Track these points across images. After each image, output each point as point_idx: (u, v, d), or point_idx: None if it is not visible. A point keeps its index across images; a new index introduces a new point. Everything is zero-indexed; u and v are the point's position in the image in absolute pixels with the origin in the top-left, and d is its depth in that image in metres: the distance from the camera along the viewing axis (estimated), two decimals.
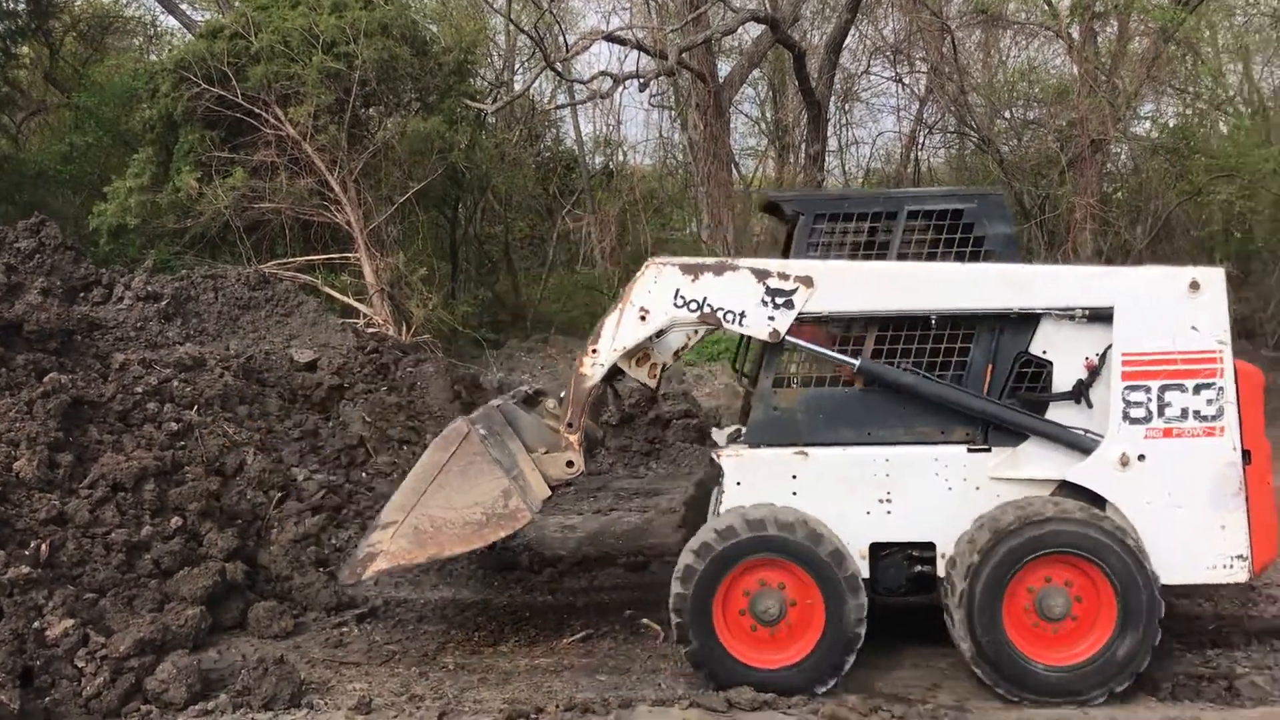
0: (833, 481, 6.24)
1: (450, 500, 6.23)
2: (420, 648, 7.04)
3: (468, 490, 6.22)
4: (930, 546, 6.24)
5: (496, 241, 21.64)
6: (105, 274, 11.01)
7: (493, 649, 7.03)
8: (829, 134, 20.69)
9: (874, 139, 38.31)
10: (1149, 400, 6.04)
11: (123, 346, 9.72)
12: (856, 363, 6.24)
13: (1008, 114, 22.76)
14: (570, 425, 6.58)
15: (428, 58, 16.67)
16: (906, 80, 22.20)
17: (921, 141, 22.94)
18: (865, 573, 6.18)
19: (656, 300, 6.35)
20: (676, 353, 6.82)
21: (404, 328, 13.54)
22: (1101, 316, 6.12)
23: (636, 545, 9.03)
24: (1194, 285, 6.04)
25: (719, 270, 6.32)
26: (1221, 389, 6.02)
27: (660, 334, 6.48)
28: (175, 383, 9.06)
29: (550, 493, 6.60)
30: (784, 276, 6.24)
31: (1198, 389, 6.02)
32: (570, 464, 6.61)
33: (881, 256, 6.43)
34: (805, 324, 6.29)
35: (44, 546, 6.90)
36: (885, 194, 6.65)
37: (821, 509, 6.16)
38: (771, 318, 6.24)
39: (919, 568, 6.31)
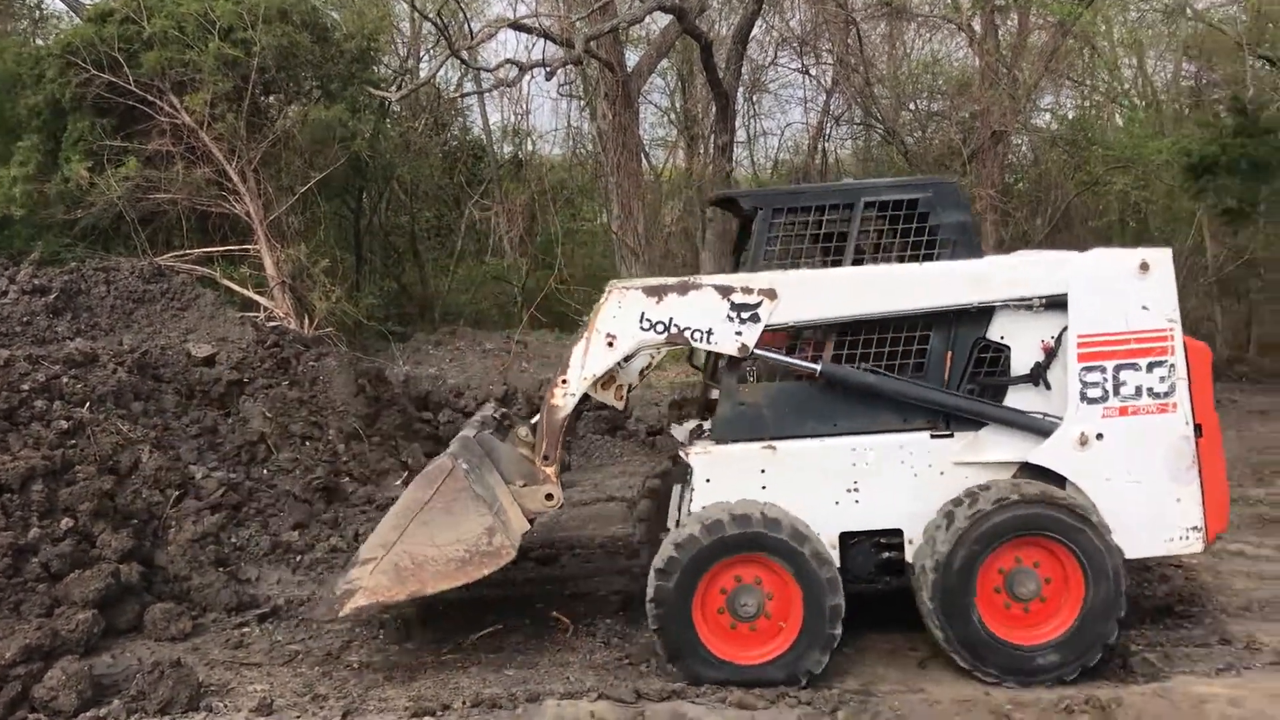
0: (801, 473, 6.30)
1: (433, 537, 6.13)
2: (324, 647, 6.89)
3: (452, 527, 6.13)
4: (898, 533, 6.35)
5: (402, 232, 21.31)
6: None
7: (399, 646, 6.92)
8: (738, 125, 20.79)
9: (782, 130, 38.67)
10: (1105, 380, 6.22)
11: (7, 342, 9.35)
12: (818, 368, 6.31)
13: (912, 106, 23.15)
14: (546, 458, 6.56)
15: (329, 44, 16.34)
16: (813, 72, 22.41)
17: (829, 133, 23.18)
18: (836, 561, 6.23)
19: (622, 325, 6.37)
20: (641, 372, 6.90)
21: (306, 321, 13.25)
22: (1057, 304, 6.27)
23: (548, 538, 8.96)
24: (1144, 266, 6.20)
25: (682, 290, 6.33)
26: (1173, 365, 6.21)
27: (628, 358, 6.49)
28: (65, 379, 8.73)
29: (529, 526, 6.50)
30: (747, 291, 6.28)
31: (1151, 367, 6.21)
32: (550, 497, 6.56)
33: (841, 249, 6.48)
34: (764, 330, 6.34)
35: None
36: (842, 186, 6.72)
37: (791, 501, 6.21)
38: (739, 332, 6.29)
39: (888, 554, 6.41)
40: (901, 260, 6.51)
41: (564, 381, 6.49)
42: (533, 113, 47.27)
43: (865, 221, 6.56)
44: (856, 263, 6.46)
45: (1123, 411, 6.22)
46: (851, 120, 23.27)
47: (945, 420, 6.35)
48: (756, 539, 6.02)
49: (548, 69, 15.06)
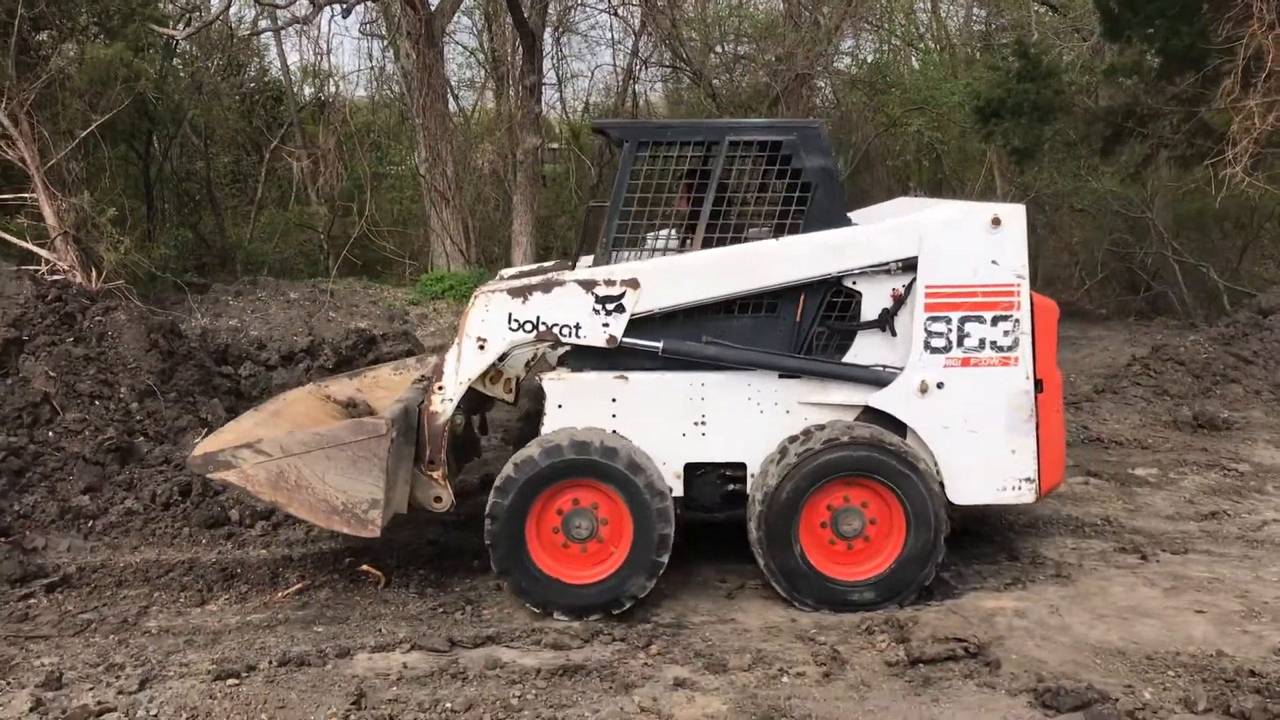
0: (650, 405, 6.48)
1: (326, 474, 6.22)
2: (119, 614, 6.57)
3: (347, 478, 6.21)
4: (742, 467, 6.53)
5: (197, 179, 20.22)
6: None
7: (200, 609, 6.67)
8: (546, 66, 20.54)
9: (592, 72, 38.50)
10: (949, 331, 6.37)
11: None
12: (660, 345, 6.42)
13: (720, 49, 23.35)
14: (431, 463, 6.61)
15: None
16: (621, 13, 22.30)
17: (638, 75, 23.15)
18: (680, 490, 6.49)
19: (491, 328, 6.47)
20: (527, 364, 7.32)
21: (94, 273, 12.45)
22: (911, 265, 6.42)
23: None
24: (995, 221, 6.30)
25: (546, 288, 6.42)
26: (1018, 320, 6.36)
27: (503, 357, 6.61)
28: None
29: (405, 511, 6.60)
30: (610, 283, 6.39)
31: (995, 320, 6.35)
32: (438, 499, 6.66)
33: (704, 186, 6.54)
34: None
35: None
36: (708, 124, 6.80)
37: (639, 431, 6.43)
38: (606, 324, 6.40)
39: (732, 486, 6.60)
40: (763, 201, 6.70)
41: (440, 388, 6.56)
42: (334, 52, 45.66)
43: (729, 160, 6.62)
44: (719, 202, 6.55)
45: (965, 362, 6.39)
46: (660, 63, 23.32)
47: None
48: (592, 466, 6.24)
49: (344, 5, 14.51)
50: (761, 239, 6.53)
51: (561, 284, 6.42)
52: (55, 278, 11.38)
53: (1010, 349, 6.38)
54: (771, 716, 5.02)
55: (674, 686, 5.35)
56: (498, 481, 6.32)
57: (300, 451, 6.26)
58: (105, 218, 13.21)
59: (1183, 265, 18.43)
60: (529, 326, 6.45)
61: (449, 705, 5.16)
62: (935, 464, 6.41)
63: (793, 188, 6.51)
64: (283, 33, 21.26)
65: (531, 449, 6.33)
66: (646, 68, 23.11)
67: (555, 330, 6.45)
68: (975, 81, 18.86)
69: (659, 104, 25.22)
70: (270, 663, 5.65)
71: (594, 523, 6.36)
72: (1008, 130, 15.30)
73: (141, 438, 8.95)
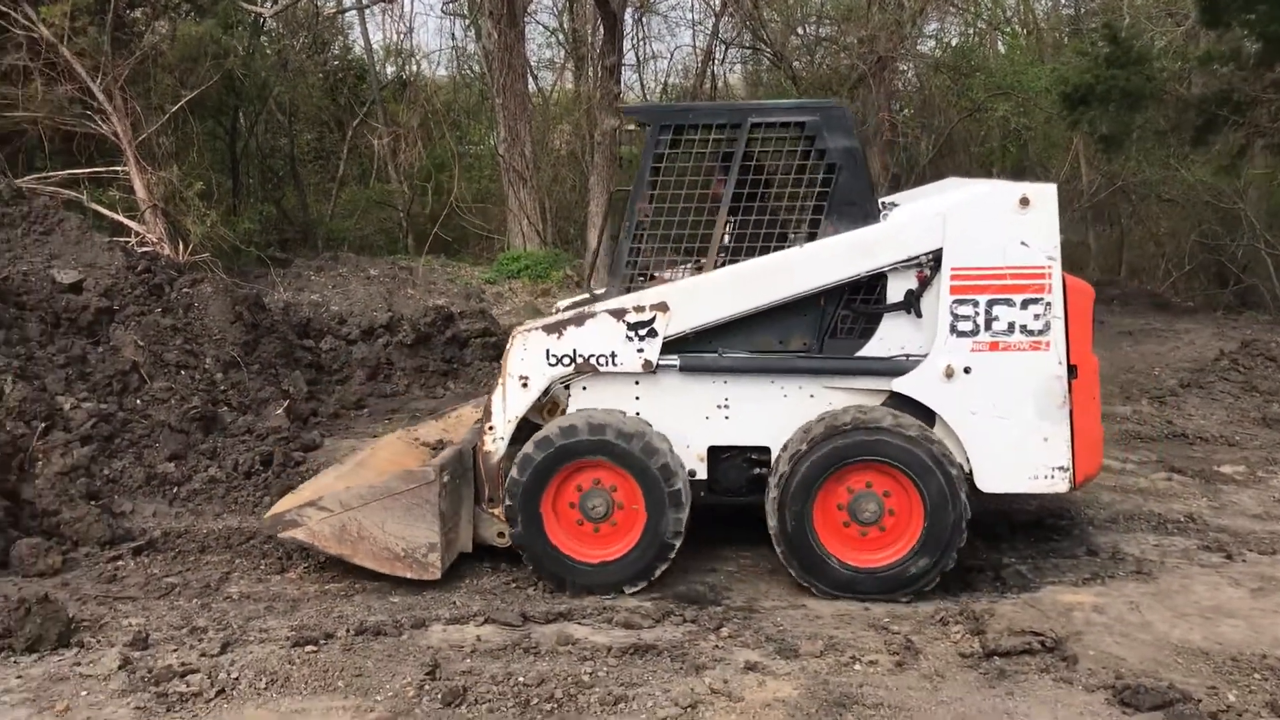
0: (673, 388, 6.48)
1: (385, 524, 6.45)
2: (202, 579, 6.74)
3: (405, 525, 6.44)
4: (767, 450, 6.47)
5: (281, 155, 20.59)
6: None
7: (280, 576, 6.81)
8: (626, 47, 20.53)
9: (671, 53, 38.43)
10: (976, 314, 6.16)
11: None
12: (677, 361, 6.43)
13: (801, 30, 23.15)
14: (491, 500, 6.77)
15: None
16: None
17: (718, 57, 23.04)
18: (704, 474, 6.50)
19: (531, 366, 6.56)
20: None
21: (181, 246, 12.75)
22: (940, 256, 6.27)
23: None
24: (1024, 201, 6.09)
25: (579, 321, 6.49)
26: (1049, 304, 6.12)
27: (546, 391, 6.62)
28: None
29: (470, 550, 6.82)
30: (639, 309, 6.41)
31: (1025, 304, 6.12)
32: (501, 535, 6.78)
33: (726, 169, 6.50)
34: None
35: None
36: (730, 105, 6.81)
37: (662, 414, 6.47)
38: (640, 350, 6.42)
39: (757, 470, 6.56)
40: (788, 184, 6.56)
41: (490, 428, 6.70)
42: (417, 31, 46.13)
43: (752, 142, 6.52)
44: (741, 183, 6.46)
45: (993, 347, 6.17)
46: (741, 44, 23.18)
47: (819, 344, 6.45)
48: (604, 446, 6.31)
49: None
50: (789, 225, 6.52)
51: (593, 315, 6.48)
52: (144, 249, 11.69)
53: (1041, 333, 6.14)
54: (843, 703, 4.99)
55: (745, 670, 5.34)
56: (516, 458, 6.43)
57: (359, 505, 6.48)
58: (193, 191, 13.52)
59: (1275, 258, 17.89)
60: (567, 360, 6.52)
61: (521, 679, 5.21)
62: (963, 450, 6.23)
63: (816, 169, 6.44)
64: (366, 11, 21.49)
65: (550, 428, 6.42)
66: (727, 49, 22.99)
67: (592, 361, 6.50)
68: (1063, 67, 18.43)
69: (738, 86, 25.09)
70: (347, 631, 5.76)
71: (609, 503, 6.42)
72: (1095, 117, 14.95)
73: (225, 407, 9.16)
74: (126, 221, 12.82)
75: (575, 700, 5.04)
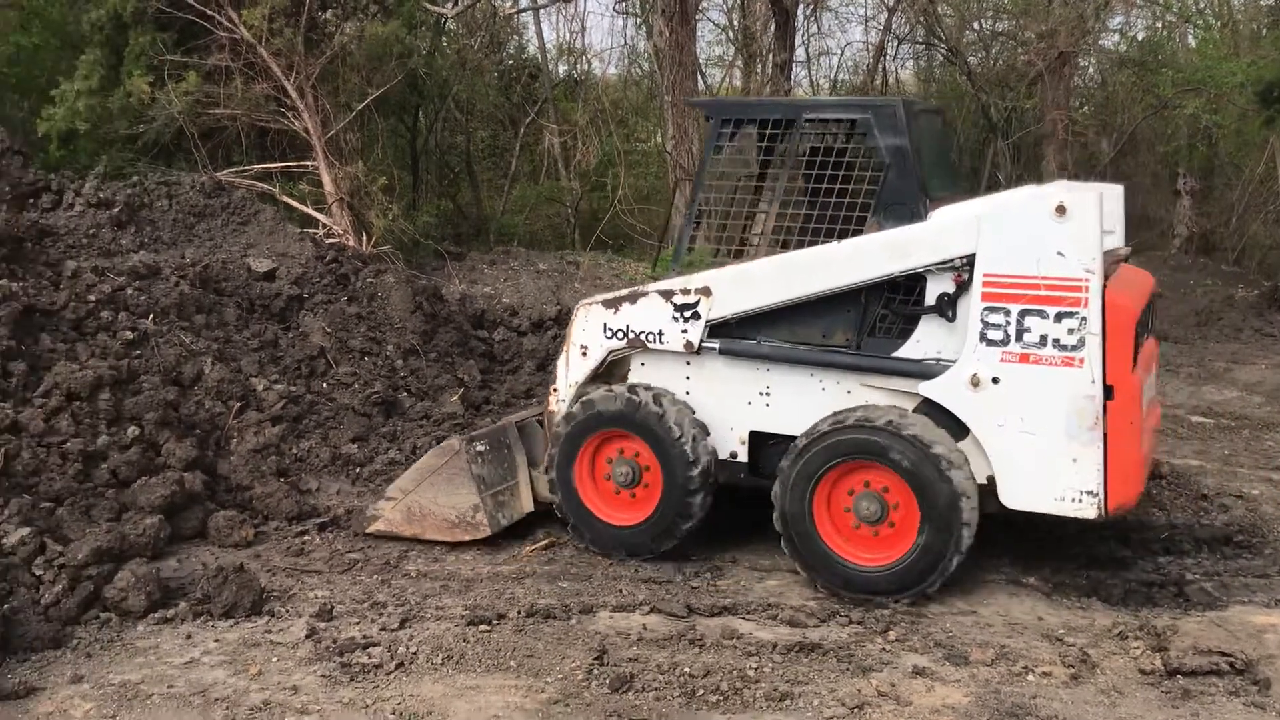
0: (720, 372, 6.75)
1: (436, 498, 7.10)
2: (382, 556, 7.04)
3: (450, 495, 7.07)
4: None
5: (458, 152, 21.23)
6: (55, 180, 10.71)
7: (455, 557, 7.05)
8: (797, 44, 20.37)
9: (842, 49, 37.89)
10: (1007, 323, 5.92)
11: (75, 254, 9.50)
12: (717, 345, 6.67)
13: (976, 25, 22.54)
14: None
15: None
16: None
17: (893, 53, 22.65)
18: (745, 457, 6.76)
19: (591, 337, 7.04)
20: None
21: (364, 238, 13.31)
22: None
23: None
24: (1060, 209, 5.75)
25: (633, 299, 6.90)
26: (1085, 319, 5.76)
27: (604, 363, 7.07)
28: (130, 291, 8.89)
29: (532, 508, 7.37)
30: (685, 292, 6.69)
31: (1059, 317, 5.80)
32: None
33: (780, 162, 6.77)
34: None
35: None
36: (786, 101, 7.32)
37: (708, 394, 6.78)
38: (684, 330, 6.73)
39: None
40: (837, 180, 6.75)
41: (555, 390, 7.28)
42: (589, 30, 46.80)
43: (805, 138, 6.75)
44: (792, 176, 6.76)
45: (1023, 358, 5.90)
46: (913, 40, 22.72)
47: (858, 341, 6.47)
48: (620, 417, 6.76)
49: None
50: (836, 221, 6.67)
51: (645, 294, 6.83)
52: (331, 241, 12.24)
53: (1075, 349, 5.78)
54: (1015, 714, 4.89)
55: (913, 674, 5.29)
56: (555, 428, 7.02)
57: (414, 487, 7.15)
58: (376, 186, 14.07)
59: None
60: (620, 334, 6.92)
61: (687, 670, 5.28)
62: (988, 462, 6.03)
63: (865, 166, 6.50)
64: (542, 11, 21.94)
65: (580, 400, 6.91)
66: (899, 45, 22.58)
67: (642, 337, 6.86)
68: (1260, 61, 17.44)
69: (910, 82, 24.61)
70: (519, 613, 5.94)
71: (637, 471, 6.82)
72: None
73: (404, 393, 9.53)
74: (315, 214, 13.45)
75: (740, 694, 5.08)
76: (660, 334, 6.80)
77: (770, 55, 18.89)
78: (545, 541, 7.23)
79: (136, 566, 6.17)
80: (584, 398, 6.92)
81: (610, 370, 7.18)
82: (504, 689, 5.16)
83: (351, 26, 15.91)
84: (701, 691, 5.10)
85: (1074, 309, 5.78)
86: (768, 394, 6.63)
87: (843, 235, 6.54)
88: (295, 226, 12.01)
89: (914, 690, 5.12)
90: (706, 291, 6.63)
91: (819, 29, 24.10)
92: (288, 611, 6.08)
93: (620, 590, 6.40)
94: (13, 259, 8.58)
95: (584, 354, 7.08)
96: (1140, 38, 22.78)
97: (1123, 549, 7.01)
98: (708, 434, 6.71)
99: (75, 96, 14.28)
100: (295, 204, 13.65)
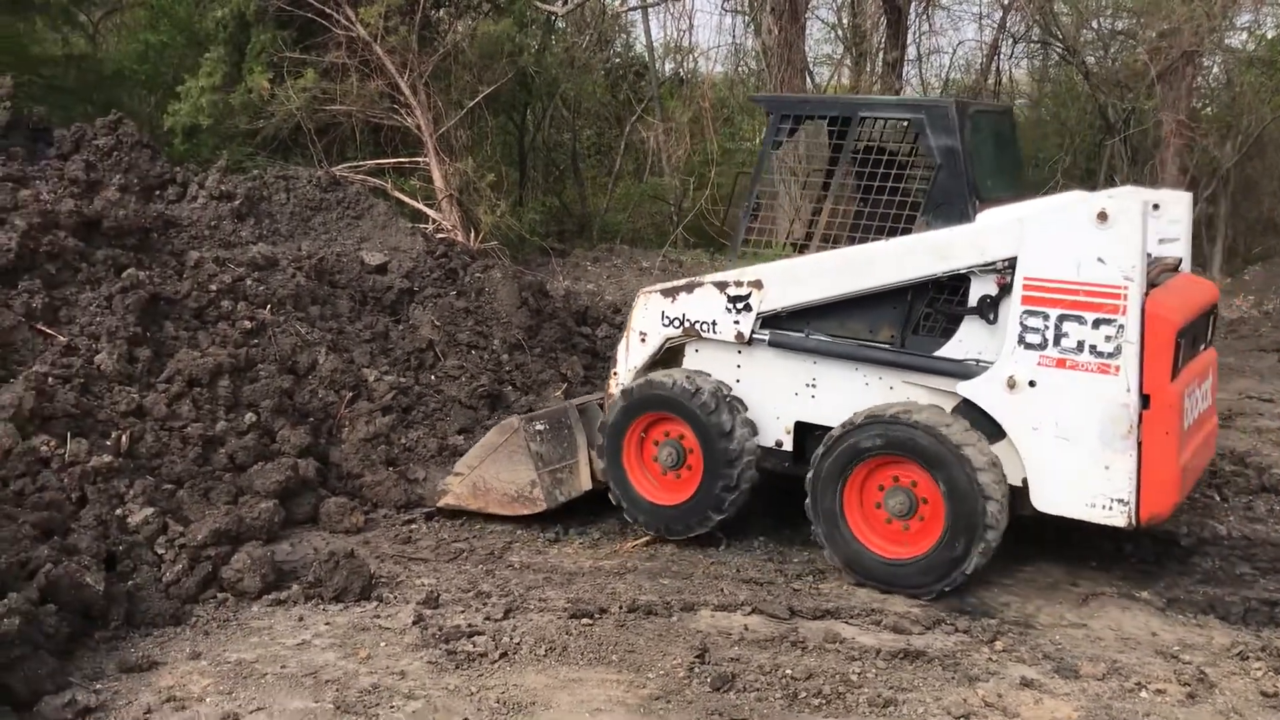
0: (769, 364, 6.93)
1: (498, 474, 7.44)
2: (487, 546, 7.15)
3: (510, 471, 7.40)
4: None
5: (564, 149, 21.44)
6: (180, 172, 11.09)
7: (557, 550, 7.13)
8: (908, 41, 20.10)
9: (954, 48, 37.31)
10: (1046, 327, 5.92)
11: (197, 244, 9.82)
12: (767, 336, 6.84)
13: (1095, 24, 21.93)
14: None
15: None
16: None
17: (1007, 52, 22.18)
18: (789, 445, 6.92)
19: (649, 324, 7.31)
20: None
21: (472, 233, 13.53)
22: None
23: None
24: (1102, 216, 5.71)
25: (690, 289, 7.11)
26: (1122, 327, 5.73)
27: (661, 349, 7.31)
28: (249, 281, 9.16)
29: (590, 486, 7.64)
30: (739, 284, 6.90)
31: (1097, 323, 5.78)
32: None
33: (835, 160, 6.97)
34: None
35: (124, 437, 7.08)
36: (842, 99, 7.59)
37: (757, 383, 6.97)
38: (737, 321, 6.93)
39: None
40: (888, 178, 7.03)
41: (615, 374, 7.55)
42: (696, 29, 46.78)
43: (860, 136, 6.92)
44: (847, 173, 7.00)
45: (1060, 363, 5.89)
46: (1029, 39, 22.22)
47: (902, 339, 6.54)
48: (664, 400, 7.01)
49: None
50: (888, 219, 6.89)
51: (701, 285, 7.05)
52: (441, 235, 12.46)
53: (1111, 356, 5.75)
54: None
55: (1020, 685, 5.18)
56: (609, 404, 7.37)
57: (478, 464, 7.50)
58: (485, 183, 14.30)
59: None
60: (677, 323, 7.16)
61: (789, 672, 5.25)
62: (1021, 464, 6.04)
63: (915, 165, 6.69)
64: (650, 9, 22.01)
65: (658, 375, 7.12)
66: (1014, 43, 22.10)
67: (697, 326, 7.07)
68: None
69: (1024, 81, 24.09)
70: (620, 608, 5.98)
71: (681, 453, 7.05)
72: None
73: (509, 387, 9.64)
74: (425, 209, 13.72)
75: (843, 698, 5.03)
76: (714, 324, 7.01)
77: (880, 53, 18.67)
78: (646, 539, 7.26)
79: (252, 549, 6.37)
80: (638, 381, 7.19)
81: (668, 357, 7.41)
82: (605, 683, 5.19)
83: (464, 25, 16.19)
84: (803, 694, 5.07)
85: (1112, 316, 5.76)
86: (813, 386, 6.79)
87: (893, 233, 6.72)
88: (407, 221, 12.25)
89: (1021, 702, 5.02)
90: (759, 284, 6.82)
91: (930, 27, 23.67)
92: (395, 598, 6.21)
93: (722, 590, 6.39)
94: (140, 248, 8.91)
95: (643, 340, 7.35)
96: (1270, 35, 21.92)
97: (1243, 565, 6.77)
98: (753, 423, 6.92)
99: (199, 93, 14.80)
100: (407, 199, 13.94)
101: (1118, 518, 5.85)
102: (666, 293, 7.22)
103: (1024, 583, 6.52)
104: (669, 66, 24.09)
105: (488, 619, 5.89)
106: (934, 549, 6.12)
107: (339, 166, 13.72)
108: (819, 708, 4.97)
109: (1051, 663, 5.45)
